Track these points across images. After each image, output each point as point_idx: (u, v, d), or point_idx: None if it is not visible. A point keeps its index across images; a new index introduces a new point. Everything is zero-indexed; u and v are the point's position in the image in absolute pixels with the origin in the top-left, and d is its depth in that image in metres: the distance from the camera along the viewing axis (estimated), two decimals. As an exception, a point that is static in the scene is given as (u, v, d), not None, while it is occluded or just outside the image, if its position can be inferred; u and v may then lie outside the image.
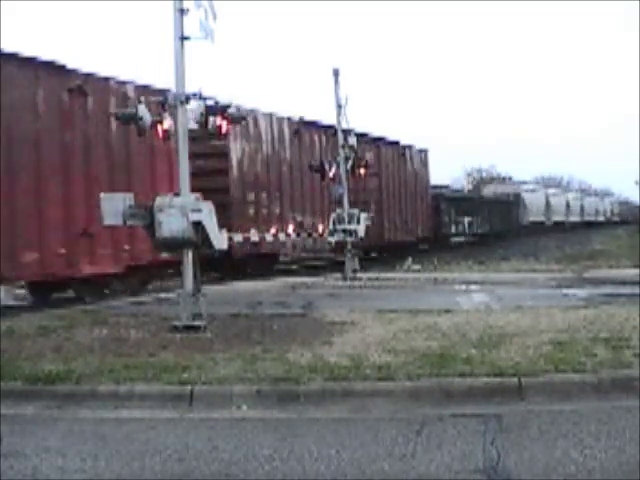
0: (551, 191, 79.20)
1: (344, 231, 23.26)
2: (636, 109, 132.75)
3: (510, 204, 61.36)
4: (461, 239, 49.84)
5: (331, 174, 24.06)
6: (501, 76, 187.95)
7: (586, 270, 21.80)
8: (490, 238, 51.99)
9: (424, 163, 40.51)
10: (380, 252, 35.27)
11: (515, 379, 7.84)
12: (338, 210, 23.80)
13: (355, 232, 23.29)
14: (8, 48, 15.85)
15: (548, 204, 72.38)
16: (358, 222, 23.54)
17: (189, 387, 8.04)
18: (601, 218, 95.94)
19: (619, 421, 6.76)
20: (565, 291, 16.30)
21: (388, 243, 34.71)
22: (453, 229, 46.46)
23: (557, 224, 72.33)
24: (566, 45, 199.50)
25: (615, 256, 29.30)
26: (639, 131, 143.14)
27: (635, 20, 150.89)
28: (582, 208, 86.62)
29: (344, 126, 23.91)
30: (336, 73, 23.70)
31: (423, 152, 40.59)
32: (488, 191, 65.58)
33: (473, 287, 17.76)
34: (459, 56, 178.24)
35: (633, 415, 6.84)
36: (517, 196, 63.75)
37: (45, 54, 18.92)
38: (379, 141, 34.68)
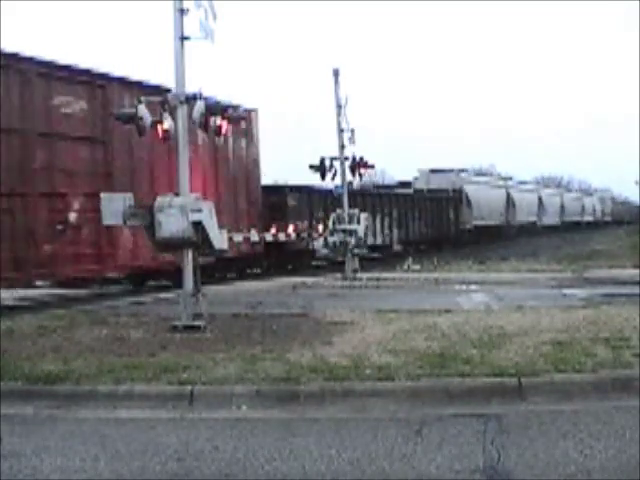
0: (514, 185, 63.91)
1: (344, 231, 23.26)
2: (636, 109, 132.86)
3: (446, 201, 46.16)
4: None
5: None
6: (501, 76, 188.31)
7: (586, 270, 21.80)
8: (403, 249, 37.18)
9: (247, 132, 23.80)
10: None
11: (515, 379, 7.83)
12: (338, 210, 23.80)
13: (355, 232, 23.29)
14: (8, 48, 15.84)
15: (510, 201, 58.18)
16: (358, 222, 23.54)
17: (189, 387, 8.03)
18: (589, 218, 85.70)
19: (619, 421, 6.76)
20: (565, 291, 16.31)
21: (155, 267, 19.07)
22: (321, 241, 27.41)
23: (525, 226, 60.16)
24: (566, 45, 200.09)
25: (615, 256, 29.28)
26: (639, 131, 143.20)
27: (635, 20, 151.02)
28: (562, 207, 75.20)
29: (343, 126, 23.90)
30: (336, 73, 23.73)
31: (244, 113, 19.83)
32: (420, 184, 47.93)
33: (473, 287, 17.77)
34: (459, 56, 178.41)
35: (633, 415, 6.84)
36: (459, 191, 47.88)
37: (45, 54, 18.78)
38: (113, 81, 18.35)
